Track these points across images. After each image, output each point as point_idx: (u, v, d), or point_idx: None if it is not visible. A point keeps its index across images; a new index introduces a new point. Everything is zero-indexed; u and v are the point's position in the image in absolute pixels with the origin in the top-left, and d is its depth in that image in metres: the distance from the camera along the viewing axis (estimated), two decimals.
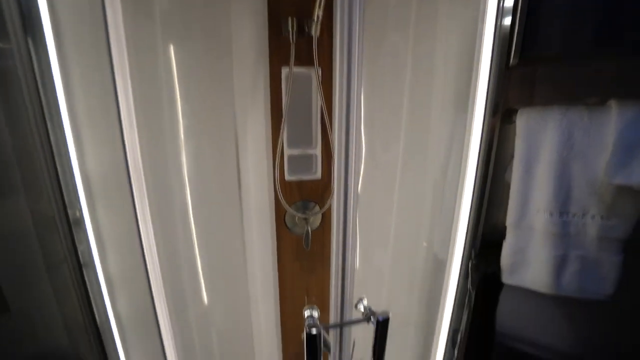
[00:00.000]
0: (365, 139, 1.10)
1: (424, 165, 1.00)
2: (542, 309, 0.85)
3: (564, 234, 0.71)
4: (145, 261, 0.70)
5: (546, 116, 0.73)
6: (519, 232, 0.77)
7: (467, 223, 0.84)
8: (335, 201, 0.50)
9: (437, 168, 0.97)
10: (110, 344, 0.70)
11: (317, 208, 1.12)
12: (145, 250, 0.69)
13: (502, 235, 0.82)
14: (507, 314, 0.89)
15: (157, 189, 0.83)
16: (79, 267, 0.63)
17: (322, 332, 0.50)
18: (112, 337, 0.70)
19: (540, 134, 0.74)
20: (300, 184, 1.09)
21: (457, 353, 0.93)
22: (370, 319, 0.54)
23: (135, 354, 0.74)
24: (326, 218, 1.15)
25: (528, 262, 0.76)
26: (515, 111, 0.78)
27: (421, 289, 1.11)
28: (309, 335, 0.49)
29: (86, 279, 0.64)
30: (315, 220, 1.15)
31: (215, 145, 0.98)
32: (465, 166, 0.82)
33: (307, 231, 1.07)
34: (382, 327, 0.53)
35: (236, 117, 1.01)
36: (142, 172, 0.74)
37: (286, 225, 1.14)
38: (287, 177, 1.07)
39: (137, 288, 0.76)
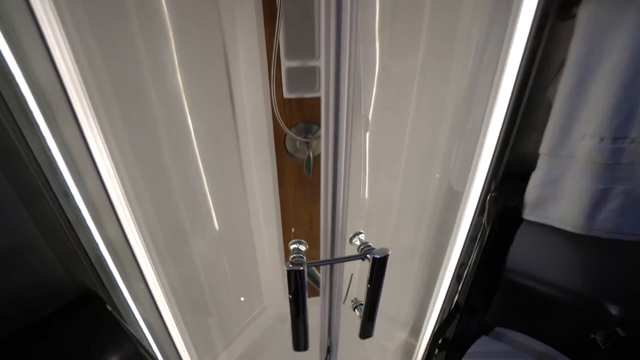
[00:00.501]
0: (379, 47, 0.91)
1: (447, 78, 0.83)
2: (562, 251, 0.77)
3: (613, 163, 0.58)
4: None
5: (626, 7, 0.53)
6: (554, 161, 0.64)
7: (493, 150, 0.70)
8: (324, 119, 0.38)
9: (463, 82, 0.80)
10: (104, 271, 0.68)
11: (320, 131, 1.01)
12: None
13: (529, 166, 0.69)
14: (521, 251, 0.82)
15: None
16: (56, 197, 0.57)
17: (306, 268, 0.43)
18: (105, 263, 0.68)
19: (609, 32, 0.55)
20: (301, 102, 0.96)
21: (462, 287, 0.89)
22: (367, 256, 0.47)
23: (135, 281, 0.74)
24: None
25: (558, 196, 0.65)
26: (577, 1, 0.58)
27: (431, 220, 1.04)
28: (290, 271, 0.42)
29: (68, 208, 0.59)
30: (319, 144, 1.05)
31: (200, 54, 0.83)
32: (500, 78, 0.66)
33: (309, 156, 0.97)
34: (378, 266, 0.46)
35: (222, 19, 0.84)
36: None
37: (287, 151, 1.04)
38: (285, 94, 0.93)
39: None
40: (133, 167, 0.71)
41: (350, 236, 0.53)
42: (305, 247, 0.51)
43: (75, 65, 0.51)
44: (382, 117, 1.01)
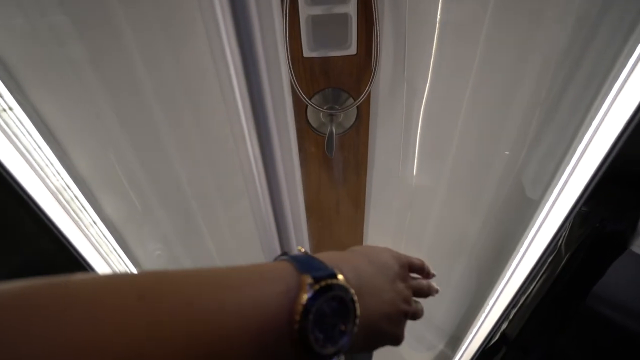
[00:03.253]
0: None
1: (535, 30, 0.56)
2: None
3: None
4: None
5: None
6: None
7: (594, 143, 0.45)
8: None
9: (559, 39, 0.52)
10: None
11: (350, 100, 0.81)
12: None
13: None
14: (613, 279, 0.57)
15: None
16: None
17: None
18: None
19: None
20: (326, 63, 0.76)
21: (515, 316, 0.68)
22: None
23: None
24: (363, 113, 0.84)
25: None
26: None
27: (488, 217, 0.81)
28: None
29: None
30: (348, 117, 0.85)
31: None
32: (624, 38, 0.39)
33: (331, 132, 0.79)
34: None
35: None
36: None
37: (309, 124, 0.87)
38: (306, 52, 0.74)
39: None
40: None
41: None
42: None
43: None
44: (435, 85, 0.77)
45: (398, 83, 0.79)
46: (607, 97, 0.44)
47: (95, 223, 0.67)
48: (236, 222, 1.00)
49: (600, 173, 0.46)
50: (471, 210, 0.87)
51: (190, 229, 0.94)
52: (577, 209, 0.49)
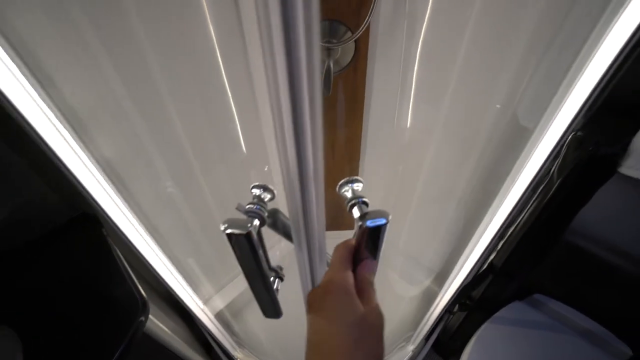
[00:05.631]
0: None
1: None
2: None
3: None
4: None
5: None
6: None
7: (593, 70, 0.44)
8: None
9: None
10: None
11: (348, 34, 0.77)
12: None
13: None
14: (594, 210, 0.60)
15: None
16: None
17: (254, 232, 0.29)
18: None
19: None
20: None
21: (502, 246, 0.72)
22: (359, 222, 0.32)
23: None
24: (361, 49, 0.81)
25: None
26: None
27: (480, 159, 0.82)
28: (229, 235, 0.29)
29: None
30: (345, 53, 0.82)
31: None
32: None
33: (328, 67, 0.76)
34: (370, 237, 0.31)
35: None
36: None
37: None
38: None
39: None
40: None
41: (341, 182, 0.37)
42: (272, 195, 0.36)
43: None
44: (436, 20, 0.73)
45: (399, 17, 0.76)
46: (604, 30, 0.43)
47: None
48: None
49: (592, 99, 0.46)
50: (465, 151, 0.88)
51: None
52: (569, 135, 0.50)
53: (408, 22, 0.76)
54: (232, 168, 1.00)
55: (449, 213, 1.01)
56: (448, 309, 0.88)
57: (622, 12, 0.42)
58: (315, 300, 0.32)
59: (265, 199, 0.35)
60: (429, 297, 1.08)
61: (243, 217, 0.31)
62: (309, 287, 0.36)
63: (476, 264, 0.79)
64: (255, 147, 1.02)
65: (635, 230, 0.61)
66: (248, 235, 0.29)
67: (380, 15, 0.75)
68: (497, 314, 0.82)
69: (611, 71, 0.45)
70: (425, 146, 0.96)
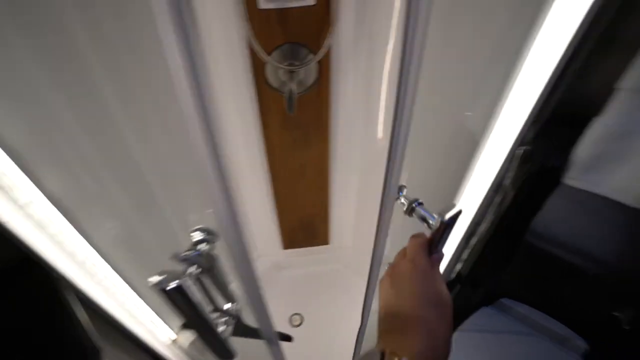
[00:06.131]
0: None
1: None
2: (607, 221, 0.59)
3: None
4: None
5: None
6: (636, 101, 0.43)
7: (536, 84, 0.49)
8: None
9: None
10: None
11: (310, 56, 0.79)
12: None
13: (589, 109, 0.49)
14: (550, 215, 0.64)
15: None
16: None
17: (188, 284, 0.28)
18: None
19: None
20: (284, 15, 0.73)
21: (468, 256, 0.75)
22: (429, 222, 0.35)
23: None
24: (323, 69, 0.83)
25: (628, 156, 0.45)
26: None
27: (441, 172, 0.86)
28: (162, 290, 0.28)
29: None
30: (309, 74, 0.84)
31: None
32: None
33: (290, 90, 0.77)
34: (449, 225, 0.35)
35: None
36: None
37: (268, 83, 0.84)
38: (262, 3, 0.70)
39: None
40: None
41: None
42: (210, 244, 0.34)
43: None
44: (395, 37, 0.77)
45: (360, 37, 0.79)
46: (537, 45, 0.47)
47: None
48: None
49: (548, 107, 0.50)
50: (431, 165, 0.91)
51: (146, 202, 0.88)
52: (520, 149, 0.54)
53: (370, 41, 0.79)
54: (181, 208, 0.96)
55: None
56: None
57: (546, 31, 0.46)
58: (398, 275, 0.36)
59: (208, 242, 0.34)
60: None
61: (181, 266, 0.30)
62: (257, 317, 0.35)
63: (444, 273, 0.81)
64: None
65: (587, 231, 0.66)
66: (179, 288, 0.28)
67: (341, 37, 0.78)
68: (467, 322, 0.85)
69: (549, 86, 0.49)
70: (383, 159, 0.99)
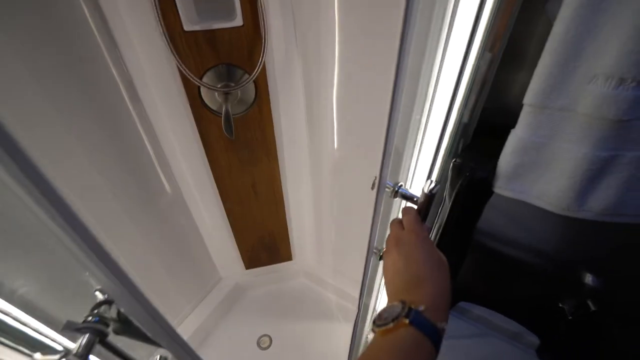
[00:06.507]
0: None
1: None
2: (541, 221, 0.61)
3: (630, 120, 0.39)
4: None
5: None
6: (543, 116, 0.44)
7: (454, 103, 0.49)
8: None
9: None
10: None
11: (246, 76, 0.76)
12: None
13: (512, 118, 0.50)
14: (491, 217, 0.66)
15: None
16: None
17: None
18: None
19: None
20: (212, 36, 0.70)
21: None
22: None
23: None
24: (261, 88, 0.80)
25: (542, 166, 0.47)
26: None
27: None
28: None
29: None
30: (247, 94, 0.81)
31: None
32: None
33: (226, 111, 0.74)
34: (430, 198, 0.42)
35: None
36: None
37: (205, 105, 0.80)
38: (186, 25, 0.67)
39: None
40: None
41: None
42: (111, 312, 0.31)
43: None
44: (328, 54, 0.76)
45: (292, 54, 0.77)
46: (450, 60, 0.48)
47: None
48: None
49: (472, 122, 0.51)
50: (369, 172, 0.90)
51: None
52: (453, 162, 0.54)
53: (303, 58, 0.78)
54: None
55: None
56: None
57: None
58: (404, 244, 0.39)
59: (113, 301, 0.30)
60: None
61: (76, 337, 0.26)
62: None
63: None
64: None
65: (522, 226, 0.68)
66: None
67: (275, 55, 0.76)
68: None
69: (459, 98, 0.49)
70: (346, 173, 0.97)
